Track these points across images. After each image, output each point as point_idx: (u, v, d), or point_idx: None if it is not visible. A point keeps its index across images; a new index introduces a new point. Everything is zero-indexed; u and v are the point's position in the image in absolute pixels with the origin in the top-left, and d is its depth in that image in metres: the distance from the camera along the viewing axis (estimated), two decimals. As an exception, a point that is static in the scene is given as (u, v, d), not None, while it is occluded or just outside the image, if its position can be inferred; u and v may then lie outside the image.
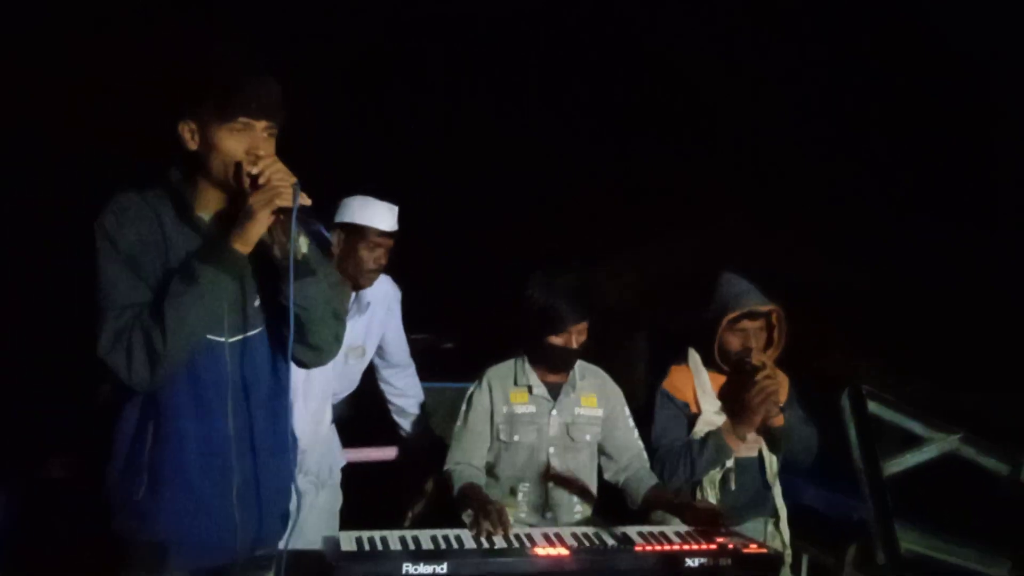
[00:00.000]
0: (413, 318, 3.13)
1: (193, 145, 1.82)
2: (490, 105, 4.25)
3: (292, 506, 1.96)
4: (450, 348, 4.49)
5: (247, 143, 1.79)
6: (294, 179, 1.74)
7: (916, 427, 2.47)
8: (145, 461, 1.84)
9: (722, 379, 2.76)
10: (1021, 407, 2.61)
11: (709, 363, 2.74)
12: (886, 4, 2.88)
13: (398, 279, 3.03)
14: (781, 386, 2.57)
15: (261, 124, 1.80)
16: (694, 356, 2.76)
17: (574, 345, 2.53)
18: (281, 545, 1.95)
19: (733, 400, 2.65)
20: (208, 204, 1.87)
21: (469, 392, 2.66)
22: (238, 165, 1.77)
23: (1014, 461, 2.36)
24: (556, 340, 2.53)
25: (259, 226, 1.75)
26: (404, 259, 3.00)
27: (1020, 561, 2.29)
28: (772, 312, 2.68)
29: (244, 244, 1.77)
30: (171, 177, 1.87)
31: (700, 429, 2.68)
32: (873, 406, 2.46)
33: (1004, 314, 2.73)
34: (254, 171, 1.74)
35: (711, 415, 2.69)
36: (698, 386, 2.72)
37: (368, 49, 3.98)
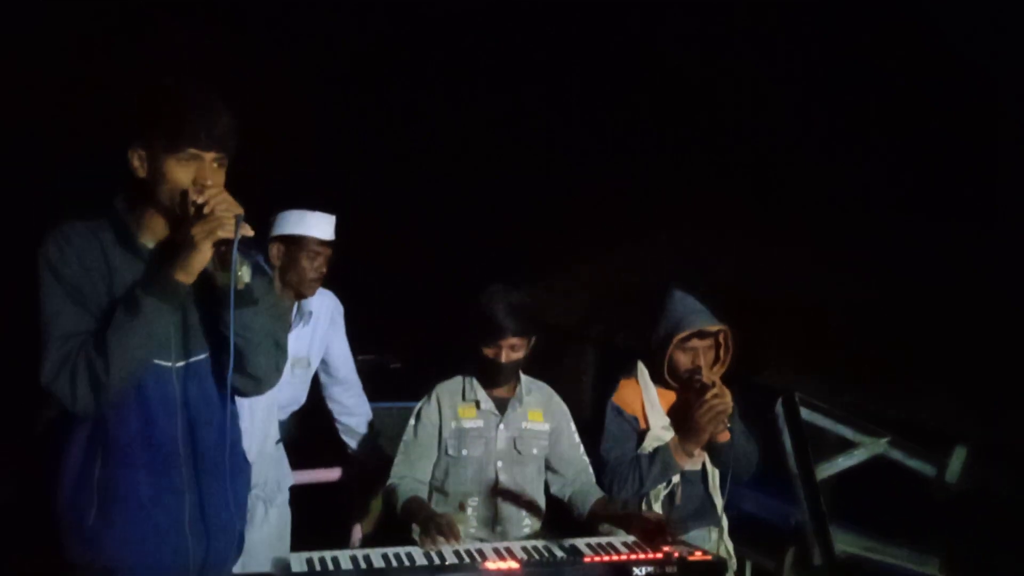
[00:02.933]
0: (361, 338, 3.14)
1: (142, 172, 1.82)
2: (447, 126, 4.25)
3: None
4: (398, 368, 4.49)
5: (195, 174, 1.79)
6: (239, 210, 1.75)
7: (847, 432, 2.57)
8: (94, 486, 1.82)
9: (670, 394, 2.79)
10: (944, 413, 2.73)
11: (658, 379, 2.78)
12: (886, 4, 2.93)
13: (346, 299, 3.04)
14: (728, 404, 2.63)
15: (210, 155, 1.80)
16: (643, 371, 2.79)
17: (503, 359, 2.56)
18: (235, 570, 1.94)
19: (682, 417, 2.68)
20: (153, 232, 1.86)
21: (418, 407, 2.68)
22: (184, 193, 1.77)
23: (939, 463, 2.47)
24: (487, 352, 2.56)
25: (201, 256, 1.75)
26: (352, 279, 3.01)
27: (948, 557, 2.39)
28: (720, 331, 2.73)
29: (186, 274, 1.77)
30: (116, 205, 1.86)
31: (648, 444, 2.71)
32: (806, 413, 2.55)
33: (944, 322, 2.82)
34: (199, 200, 1.74)
35: (659, 430, 2.73)
36: (646, 401, 2.76)
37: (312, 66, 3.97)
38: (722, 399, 2.58)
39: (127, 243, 1.84)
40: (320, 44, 3.91)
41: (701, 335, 2.71)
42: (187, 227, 1.75)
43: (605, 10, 3.53)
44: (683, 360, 2.72)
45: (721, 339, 2.76)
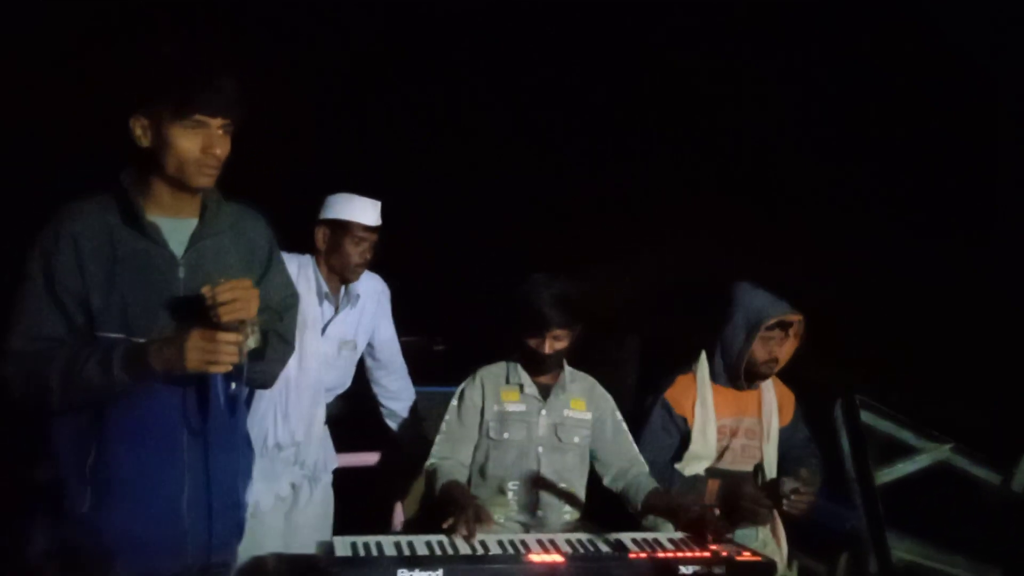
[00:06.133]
0: (404, 321, 3.13)
1: (145, 141, 1.77)
2: (484, 106, 4.24)
3: (248, 512, 2.02)
4: (441, 351, 4.47)
5: (202, 142, 1.76)
6: (250, 314, 1.72)
7: (908, 436, 2.51)
8: (88, 470, 1.80)
9: (727, 392, 2.75)
10: (1010, 417, 2.65)
11: (732, 374, 2.74)
12: (886, 4, 2.90)
13: (391, 281, 3.03)
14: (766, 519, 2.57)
15: (216, 122, 1.76)
16: (703, 367, 2.76)
17: (547, 350, 2.55)
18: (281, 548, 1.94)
19: (732, 495, 2.58)
20: (160, 205, 1.83)
21: (460, 388, 2.68)
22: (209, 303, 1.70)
23: (1005, 471, 2.39)
24: (532, 342, 2.56)
25: (187, 367, 1.71)
26: (397, 261, 3.00)
27: (1011, 569, 2.31)
28: (798, 320, 2.70)
29: (165, 368, 1.72)
30: (121, 180, 1.82)
31: (687, 462, 2.68)
32: (865, 415, 2.48)
33: (997, 323, 2.74)
34: (211, 301, 1.69)
35: (699, 445, 2.68)
36: (699, 398, 2.72)
37: (363, 48, 3.96)
38: (769, 512, 2.51)
39: (133, 220, 1.80)
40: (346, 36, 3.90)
41: (782, 325, 2.68)
42: (189, 339, 1.70)
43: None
44: (760, 352, 2.68)
45: (795, 330, 2.72)
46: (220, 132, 1.77)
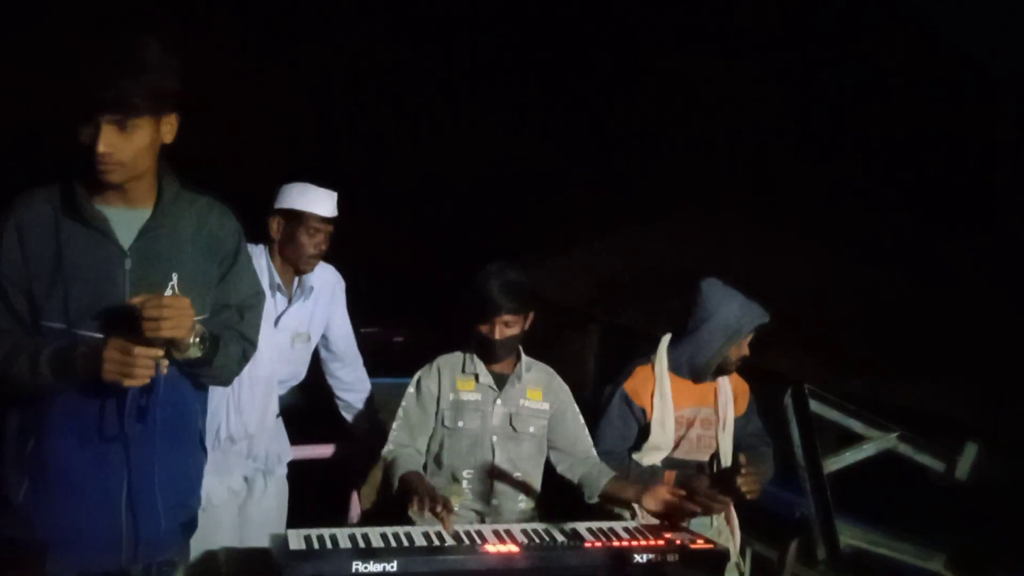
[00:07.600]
0: (363, 312, 3.10)
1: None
2: (450, 100, 4.23)
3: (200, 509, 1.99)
4: (400, 343, 4.46)
5: (92, 138, 1.70)
6: (179, 333, 1.67)
7: (856, 425, 2.55)
8: (26, 461, 1.78)
9: (684, 382, 2.76)
10: (957, 397, 2.71)
11: (698, 374, 2.74)
12: (886, 4, 2.94)
13: (349, 272, 3.00)
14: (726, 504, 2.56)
15: (106, 117, 1.69)
16: (662, 358, 2.76)
17: (496, 336, 2.55)
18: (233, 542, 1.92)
19: (687, 487, 2.55)
20: (112, 194, 1.79)
21: (417, 376, 2.67)
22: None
23: (949, 459, 2.45)
24: (482, 328, 2.57)
25: (103, 377, 1.67)
26: (356, 252, 2.98)
27: (955, 555, 2.38)
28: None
29: (87, 374, 1.70)
30: (72, 170, 1.79)
31: (645, 453, 2.70)
32: (814, 405, 2.52)
33: (951, 308, 2.80)
34: (142, 312, 1.65)
35: (658, 436, 2.70)
36: (658, 389, 2.73)
37: (330, 37, 3.93)
38: (725, 505, 2.50)
39: (78, 210, 1.77)
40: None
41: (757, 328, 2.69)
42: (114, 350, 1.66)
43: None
44: (734, 353, 2.70)
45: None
46: (113, 128, 1.70)
